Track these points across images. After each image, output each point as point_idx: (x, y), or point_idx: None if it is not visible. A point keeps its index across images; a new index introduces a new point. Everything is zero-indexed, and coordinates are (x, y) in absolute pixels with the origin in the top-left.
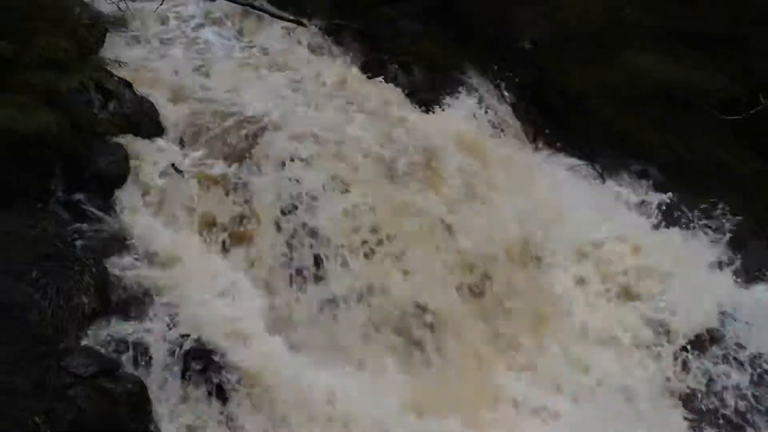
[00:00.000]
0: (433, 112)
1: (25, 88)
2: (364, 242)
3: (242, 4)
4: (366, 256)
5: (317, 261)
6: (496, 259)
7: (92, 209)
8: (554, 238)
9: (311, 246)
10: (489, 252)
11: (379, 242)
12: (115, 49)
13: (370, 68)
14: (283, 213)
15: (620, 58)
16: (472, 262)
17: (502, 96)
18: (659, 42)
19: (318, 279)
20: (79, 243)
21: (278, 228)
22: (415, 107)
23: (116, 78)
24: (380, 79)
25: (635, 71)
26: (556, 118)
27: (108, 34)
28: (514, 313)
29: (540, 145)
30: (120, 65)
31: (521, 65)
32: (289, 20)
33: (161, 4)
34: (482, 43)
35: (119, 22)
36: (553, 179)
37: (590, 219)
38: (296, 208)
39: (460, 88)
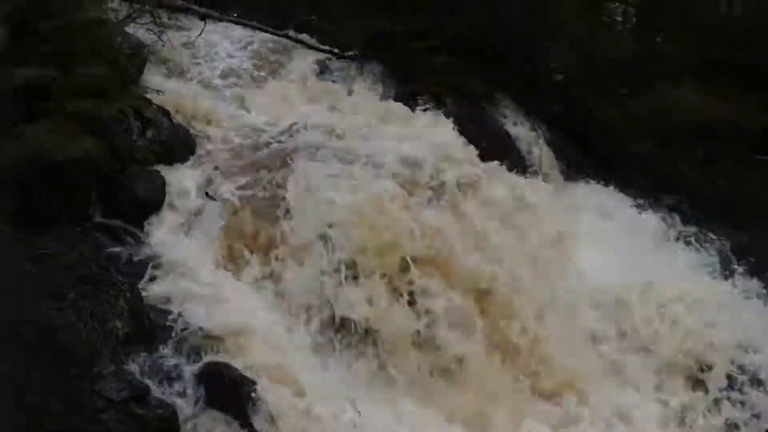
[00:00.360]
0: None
1: (67, 115)
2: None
3: (278, 35)
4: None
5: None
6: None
7: (128, 234)
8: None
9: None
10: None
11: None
12: (154, 77)
13: (403, 99)
14: (317, 240)
15: (652, 90)
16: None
17: (534, 127)
18: (692, 74)
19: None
20: (114, 267)
21: (310, 257)
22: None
23: (155, 106)
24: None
25: (667, 103)
26: (588, 149)
27: (147, 63)
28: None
29: (572, 176)
30: (158, 93)
31: (552, 96)
32: (323, 51)
33: (200, 35)
34: (513, 75)
35: (159, 52)
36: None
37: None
38: (329, 238)
39: (490, 119)
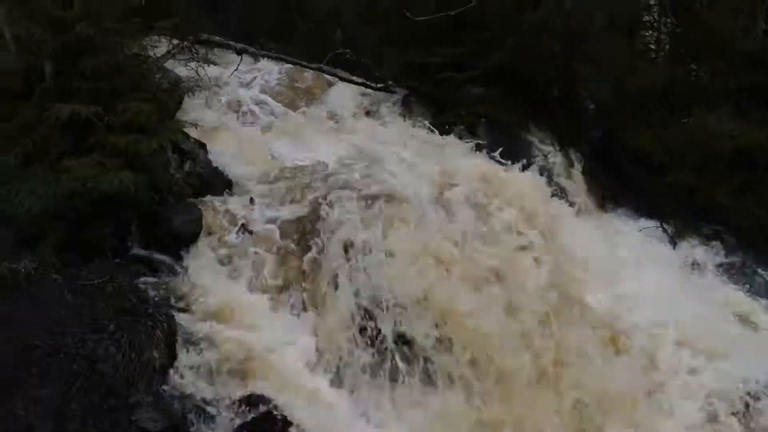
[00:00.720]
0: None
1: (108, 149)
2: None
3: (313, 69)
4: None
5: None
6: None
7: (165, 265)
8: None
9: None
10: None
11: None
12: (192, 111)
13: (437, 129)
14: (348, 273)
15: (687, 118)
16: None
17: (568, 156)
18: (728, 100)
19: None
20: (152, 298)
21: (344, 289)
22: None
23: (192, 139)
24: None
25: (703, 131)
26: (623, 178)
27: (185, 98)
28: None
29: (607, 205)
30: (196, 127)
31: (586, 125)
32: (357, 84)
33: (236, 70)
34: (546, 104)
35: (196, 87)
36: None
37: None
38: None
39: (524, 148)
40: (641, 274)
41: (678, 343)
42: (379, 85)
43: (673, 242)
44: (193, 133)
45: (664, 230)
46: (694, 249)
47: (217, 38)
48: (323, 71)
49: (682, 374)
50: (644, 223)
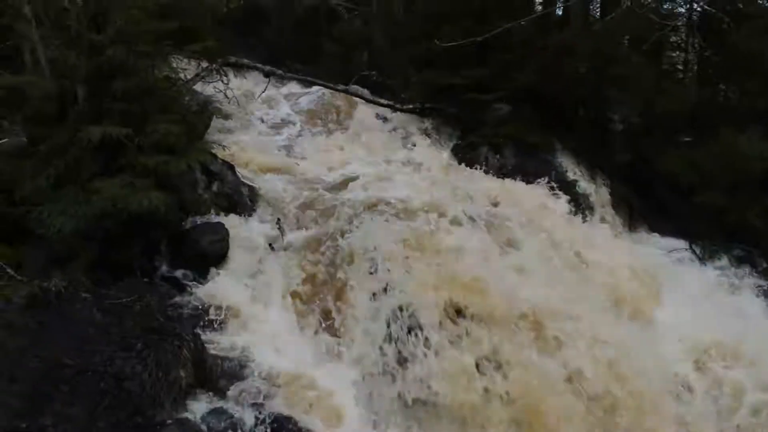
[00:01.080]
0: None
1: (138, 169)
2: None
3: (338, 90)
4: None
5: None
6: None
7: (193, 284)
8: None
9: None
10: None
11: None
12: (220, 133)
13: (462, 150)
14: (373, 295)
15: (716, 138)
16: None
17: (594, 177)
18: (757, 121)
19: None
20: (179, 317)
21: (369, 308)
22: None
23: (220, 160)
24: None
25: (732, 151)
26: (651, 199)
27: (214, 119)
28: None
29: (635, 226)
30: (223, 148)
31: (614, 146)
32: (383, 105)
33: (263, 92)
34: (573, 125)
35: (225, 108)
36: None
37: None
38: (387, 290)
39: (550, 169)
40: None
41: None
42: (404, 107)
43: (704, 263)
44: (222, 153)
45: (694, 251)
46: (724, 270)
47: (245, 61)
48: (349, 93)
49: None
50: (674, 244)
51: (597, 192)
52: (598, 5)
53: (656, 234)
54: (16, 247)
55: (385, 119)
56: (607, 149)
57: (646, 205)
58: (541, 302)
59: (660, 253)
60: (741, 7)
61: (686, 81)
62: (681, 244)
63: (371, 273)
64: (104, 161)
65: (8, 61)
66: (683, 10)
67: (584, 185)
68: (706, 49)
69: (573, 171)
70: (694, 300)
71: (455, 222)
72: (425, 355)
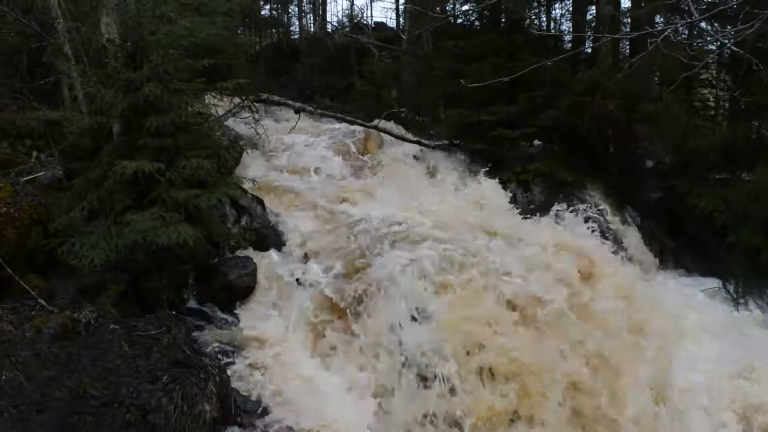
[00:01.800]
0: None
1: (169, 203)
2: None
3: (368, 127)
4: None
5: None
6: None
7: (220, 319)
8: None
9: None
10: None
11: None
12: (251, 167)
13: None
14: (392, 329)
15: (749, 176)
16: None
17: (623, 214)
18: None
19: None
20: (205, 351)
21: (391, 345)
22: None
23: (249, 195)
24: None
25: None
26: (683, 237)
27: (245, 154)
28: None
29: (667, 264)
30: (254, 183)
31: (643, 183)
32: (412, 142)
33: (294, 127)
34: (602, 162)
35: (256, 143)
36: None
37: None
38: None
39: (579, 206)
40: (705, 336)
41: None
42: (433, 143)
43: (737, 303)
44: (252, 188)
45: (727, 291)
46: (760, 310)
47: (276, 97)
48: (378, 129)
49: None
50: (706, 283)
51: (627, 229)
52: (627, 43)
53: (688, 272)
54: (48, 278)
55: (414, 157)
56: (637, 186)
57: (677, 243)
58: None
59: (692, 292)
60: None
61: (718, 118)
62: (714, 282)
63: (392, 308)
64: (136, 195)
65: (48, 96)
66: (714, 47)
67: (614, 222)
68: (738, 87)
69: (602, 208)
70: (720, 346)
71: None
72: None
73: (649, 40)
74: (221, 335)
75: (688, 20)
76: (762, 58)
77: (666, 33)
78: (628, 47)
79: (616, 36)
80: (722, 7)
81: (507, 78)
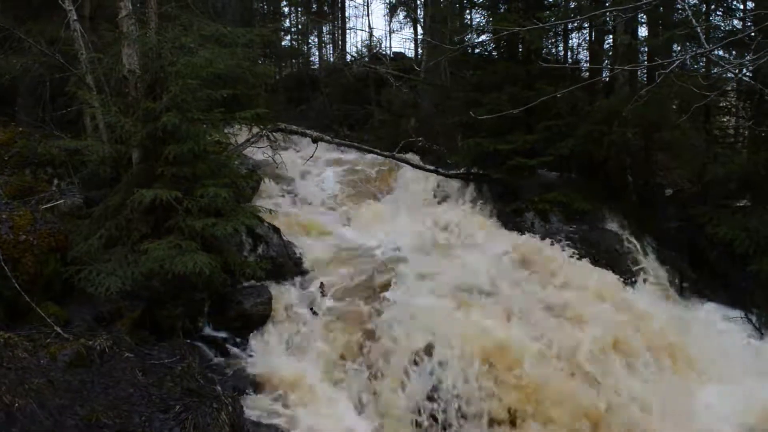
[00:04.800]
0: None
1: (185, 232)
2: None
3: (385, 156)
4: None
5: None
6: None
7: (234, 347)
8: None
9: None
10: None
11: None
12: (268, 196)
13: (508, 216)
14: (415, 363)
15: None
16: None
17: (642, 242)
18: None
19: None
20: (219, 380)
21: (407, 376)
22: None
23: (266, 224)
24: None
25: None
26: (703, 266)
27: (262, 183)
28: None
29: (687, 293)
30: (270, 212)
31: (662, 211)
32: (429, 171)
33: (311, 156)
34: (622, 190)
35: (273, 173)
36: (702, 333)
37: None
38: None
39: (598, 235)
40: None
41: None
42: (450, 172)
43: (761, 333)
44: (269, 217)
45: (750, 321)
46: None
47: (293, 127)
48: (395, 158)
49: None
50: (728, 312)
51: (646, 258)
52: (645, 71)
53: (709, 301)
54: (65, 306)
55: (431, 184)
56: (655, 215)
57: (697, 272)
58: None
59: (713, 322)
60: None
61: (738, 146)
62: (736, 313)
63: (407, 334)
64: (154, 223)
65: (71, 125)
66: (732, 75)
67: (633, 251)
68: (757, 114)
69: (621, 237)
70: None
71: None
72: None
73: (657, 72)
74: (235, 364)
75: (698, 51)
76: None
77: (675, 65)
78: (645, 75)
79: (625, 68)
80: (732, 38)
81: (516, 111)
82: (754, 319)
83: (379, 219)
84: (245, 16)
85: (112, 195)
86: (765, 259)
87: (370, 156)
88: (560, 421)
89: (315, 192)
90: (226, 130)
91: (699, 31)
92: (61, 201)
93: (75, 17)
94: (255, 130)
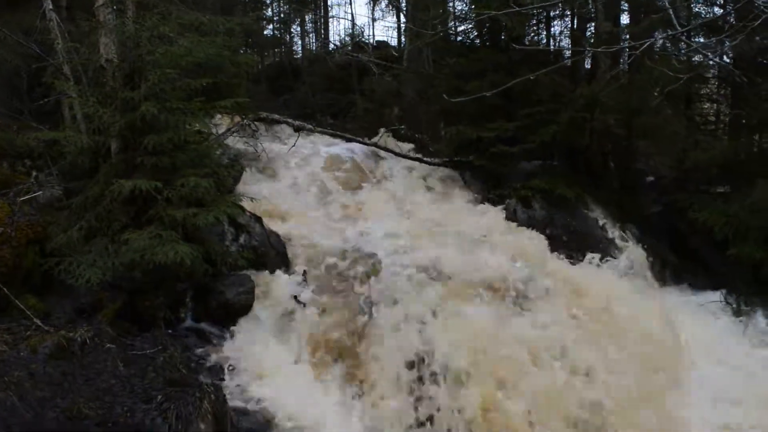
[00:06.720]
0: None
1: (167, 222)
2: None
3: (367, 144)
4: None
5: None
6: None
7: (216, 337)
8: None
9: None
10: None
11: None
12: (250, 186)
13: (490, 203)
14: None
15: (750, 190)
16: None
17: (624, 228)
18: None
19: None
20: (201, 369)
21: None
22: None
23: (248, 213)
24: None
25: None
26: (684, 251)
27: (244, 173)
28: None
29: (667, 279)
30: (252, 200)
31: (645, 198)
32: (411, 159)
33: (293, 145)
34: (603, 176)
35: (255, 162)
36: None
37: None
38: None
39: (580, 222)
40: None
41: None
42: (433, 160)
43: (739, 317)
44: (251, 206)
45: (729, 304)
46: (762, 324)
47: (275, 116)
48: (378, 147)
49: None
50: (707, 297)
51: (627, 244)
52: (627, 59)
53: (689, 286)
54: (45, 298)
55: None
56: (637, 201)
57: (678, 257)
58: None
59: (693, 306)
60: None
61: (719, 132)
62: (715, 296)
63: (396, 329)
64: (134, 213)
65: (49, 116)
66: (711, 62)
67: (615, 237)
68: (737, 101)
69: (603, 223)
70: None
71: None
72: None
73: (627, 53)
74: (218, 353)
75: (670, 33)
76: (761, 73)
77: (644, 46)
78: (628, 64)
79: (598, 50)
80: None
81: (489, 93)
82: (733, 303)
83: (360, 207)
84: (226, 4)
85: (91, 186)
86: (743, 243)
87: (357, 145)
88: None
89: (296, 179)
90: (207, 120)
91: (671, 13)
92: (40, 192)
93: (51, 6)
94: (237, 119)
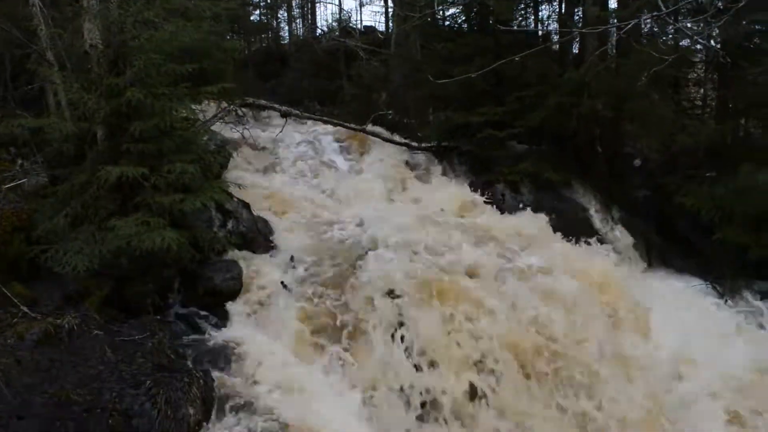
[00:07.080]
0: None
1: (154, 208)
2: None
3: (356, 130)
4: None
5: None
6: None
7: (205, 322)
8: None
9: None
10: None
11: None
12: (237, 171)
13: (479, 188)
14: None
15: (736, 174)
16: None
17: (611, 212)
18: None
19: None
20: (190, 355)
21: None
22: None
23: (236, 199)
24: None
25: (752, 187)
26: (671, 236)
27: (232, 159)
28: None
29: (654, 263)
30: (239, 187)
31: (631, 182)
32: (399, 144)
33: (281, 131)
34: (590, 161)
35: (242, 148)
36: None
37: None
38: (401, 325)
39: (568, 206)
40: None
41: None
42: (421, 145)
43: (725, 300)
44: (238, 192)
45: (715, 288)
46: (747, 307)
47: (262, 101)
48: (366, 132)
49: None
50: (694, 280)
51: (613, 228)
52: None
53: (676, 270)
54: (31, 286)
55: (402, 157)
56: (624, 185)
57: (665, 242)
58: None
59: (679, 289)
60: (757, 43)
61: (705, 116)
62: (701, 280)
63: (383, 309)
64: (121, 200)
65: (34, 103)
66: (700, 47)
67: (602, 221)
68: (724, 85)
69: (591, 207)
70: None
71: None
72: None
73: (611, 36)
74: (206, 339)
75: (654, 14)
76: (747, 58)
77: (628, 27)
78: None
79: (583, 30)
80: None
81: (474, 74)
82: (719, 287)
83: (349, 193)
84: None
85: (77, 173)
86: (729, 227)
87: (339, 130)
88: None
89: (284, 166)
90: (194, 106)
91: None
92: (25, 180)
93: None
94: (224, 105)
